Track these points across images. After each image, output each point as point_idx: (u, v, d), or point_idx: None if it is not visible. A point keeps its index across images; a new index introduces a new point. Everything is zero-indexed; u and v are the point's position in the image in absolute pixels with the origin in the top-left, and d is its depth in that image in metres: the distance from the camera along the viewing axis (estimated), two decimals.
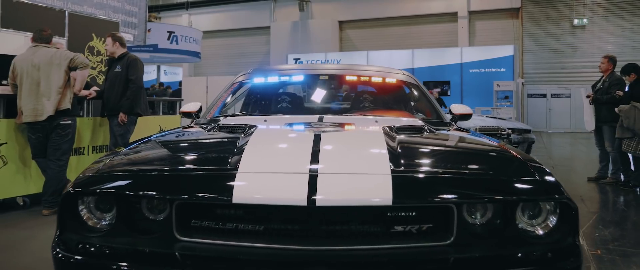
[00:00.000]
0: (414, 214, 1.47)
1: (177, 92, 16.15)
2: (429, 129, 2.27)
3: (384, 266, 1.38)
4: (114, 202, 1.55)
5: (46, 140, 4.21)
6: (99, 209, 1.57)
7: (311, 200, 1.37)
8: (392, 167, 1.52)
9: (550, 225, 1.52)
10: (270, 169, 1.57)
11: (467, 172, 1.63)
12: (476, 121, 6.99)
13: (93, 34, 7.23)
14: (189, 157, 1.88)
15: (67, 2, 8.25)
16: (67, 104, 4.22)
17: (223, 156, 1.71)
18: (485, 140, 2.10)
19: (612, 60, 6.12)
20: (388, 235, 1.46)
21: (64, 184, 4.25)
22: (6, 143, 4.26)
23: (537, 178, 1.55)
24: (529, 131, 7.46)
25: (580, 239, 3.50)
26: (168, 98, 8.13)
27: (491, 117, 8.38)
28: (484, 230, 1.51)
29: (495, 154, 1.85)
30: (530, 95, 19.50)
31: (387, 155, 1.61)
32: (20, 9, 6.34)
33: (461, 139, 2.17)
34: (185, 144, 2.07)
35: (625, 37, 18.35)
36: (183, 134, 2.26)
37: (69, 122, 4.26)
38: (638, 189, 5.56)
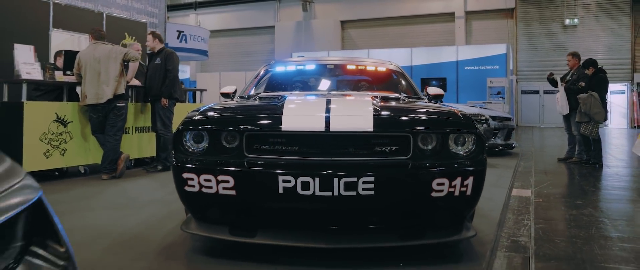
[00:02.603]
0: (387, 140, 2.47)
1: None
2: (404, 99, 3.27)
3: (369, 168, 2.37)
4: (205, 136, 2.54)
5: (105, 119, 5.22)
6: (195, 141, 2.57)
7: (327, 129, 2.37)
8: (373, 112, 2.52)
9: (470, 149, 2.51)
10: (302, 113, 2.58)
11: (420, 116, 2.64)
12: (460, 108, 7.97)
13: (126, 33, 8.25)
14: (248, 110, 2.88)
15: (97, 5, 9.26)
16: (122, 90, 5.23)
17: (270, 108, 2.72)
18: (440, 105, 3.09)
19: (576, 56, 7.07)
20: (372, 152, 2.46)
21: (118, 155, 5.27)
22: (72, 122, 5.27)
23: (462, 121, 2.55)
24: (509, 119, 8.44)
25: (531, 193, 4.48)
26: (195, 88, 9.26)
27: (477, 108, 9.33)
28: (430, 152, 2.50)
29: (441, 109, 2.84)
30: (523, 92, 20.41)
31: (372, 108, 2.61)
32: (67, 12, 7.36)
33: (423, 104, 3.16)
34: (242, 105, 3.05)
35: (614, 36, 19.24)
36: (234, 102, 3.26)
37: (123, 104, 5.27)
38: (597, 166, 6.54)
